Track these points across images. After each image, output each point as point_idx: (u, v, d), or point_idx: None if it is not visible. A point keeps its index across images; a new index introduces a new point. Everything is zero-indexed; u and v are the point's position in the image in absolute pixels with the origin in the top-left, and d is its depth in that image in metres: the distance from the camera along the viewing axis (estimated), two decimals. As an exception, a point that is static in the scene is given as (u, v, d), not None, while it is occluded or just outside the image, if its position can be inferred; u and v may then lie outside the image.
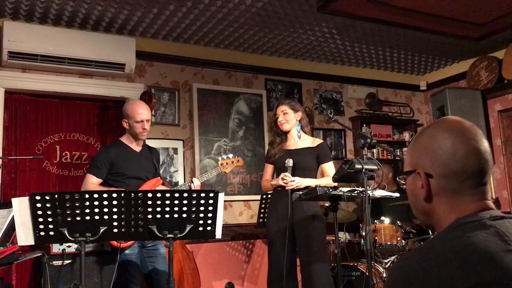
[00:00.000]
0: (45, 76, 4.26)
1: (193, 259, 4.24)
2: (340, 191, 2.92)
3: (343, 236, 4.28)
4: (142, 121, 3.28)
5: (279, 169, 3.43)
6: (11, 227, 2.74)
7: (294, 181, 3.24)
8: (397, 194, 3.23)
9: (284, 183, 3.26)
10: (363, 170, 2.77)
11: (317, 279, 3.20)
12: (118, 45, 4.36)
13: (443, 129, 1.11)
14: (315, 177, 3.47)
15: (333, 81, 5.75)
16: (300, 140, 3.51)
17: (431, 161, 1.09)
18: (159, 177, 3.48)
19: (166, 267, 3.26)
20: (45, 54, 4.06)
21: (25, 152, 4.21)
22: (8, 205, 2.78)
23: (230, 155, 3.78)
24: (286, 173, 3.27)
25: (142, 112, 3.29)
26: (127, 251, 3.15)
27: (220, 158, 3.75)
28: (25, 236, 2.48)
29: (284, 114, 3.48)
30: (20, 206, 2.46)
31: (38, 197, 2.44)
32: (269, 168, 3.62)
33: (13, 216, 2.59)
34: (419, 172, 1.11)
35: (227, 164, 3.69)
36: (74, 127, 4.51)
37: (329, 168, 3.46)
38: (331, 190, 2.90)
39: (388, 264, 4.06)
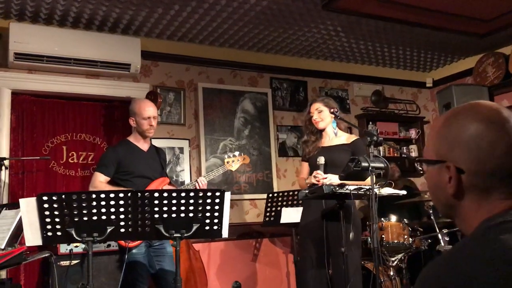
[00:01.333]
0: (51, 77, 4.28)
1: (200, 258, 4.25)
2: (347, 189, 2.91)
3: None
4: (149, 117, 3.31)
5: (312, 167, 3.41)
6: (19, 228, 2.75)
7: (326, 178, 3.22)
8: (404, 192, 3.21)
9: (316, 181, 3.24)
10: (370, 168, 2.76)
11: (348, 271, 3.19)
12: (123, 45, 4.37)
13: (479, 119, 0.98)
14: None
15: (338, 79, 5.74)
16: (336, 137, 3.49)
17: (465, 156, 0.97)
18: (166, 177, 3.49)
19: (173, 266, 3.27)
20: (51, 55, 4.08)
21: (32, 153, 4.23)
22: (16, 206, 2.79)
23: (236, 153, 3.76)
24: (318, 171, 3.25)
25: (148, 109, 3.32)
26: (134, 251, 3.16)
27: (226, 156, 3.75)
28: (32, 237, 2.49)
29: (318, 112, 3.44)
30: (28, 207, 2.47)
31: (45, 198, 2.45)
32: (305, 166, 3.61)
33: (20, 217, 2.60)
34: (449, 166, 0.99)
35: (233, 162, 3.69)
36: (80, 128, 4.52)
37: None
38: (337, 188, 2.90)
39: (395, 262, 4.04)
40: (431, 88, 6.26)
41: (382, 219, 4.07)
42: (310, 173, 3.43)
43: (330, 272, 3.38)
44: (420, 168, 1.17)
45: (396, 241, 3.98)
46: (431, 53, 5.59)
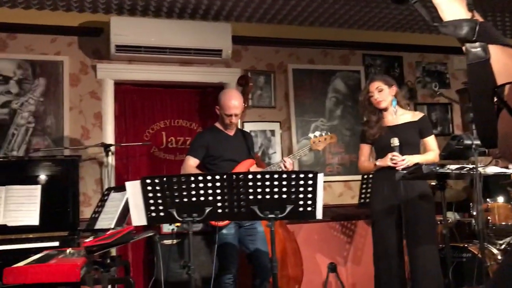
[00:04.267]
0: (149, 66, 4.50)
1: (294, 239, 4.28)
2: (448, 169, 2.75)
3: (452, 216, 4.05)
4: (230, 115, 3.39)
5: (382, 149, 3.28)
6: (126, 209, 2.95)
7: (404, 160, 3.09)
8: (513, 171, 2.98)
9: (393, 163, 3.12)
10: (473, 146, 2.58)
11: (424, 261, 3.07)
12: (214, 32, 4.46)
13: None
14: (419, 153, 3.30)
15: (437, 52, 5.40)
16: (399, 115, 3.34)
17: None
18: (253, 159, 3.54)
19: (265, 246, 3.33)
20: (148, 45, 4.28)
21: (135, 139, 4.50)
22: (122, 189, 3.00)
23: (323, 132, 3.66)
24: (394, 153, 3.13)
25: (232, 106, 3.38)
26: (224, 231, 3.26)
27: (312, 136, 3.66)
28: (138, 217, 2.66)
29: (379, 91, 3.31)
30: (133, 189, 2.63)
31: (148, 181, 2.59)
32: (365, 148, 3.47)
33: (127, 199, 2.79)
34: None
35: (319, 141, 3.59)
36: (177, 114, 4.73)
37: (432, 142, 3.28)
38: (438, 168, 2.75)
39: (503, 245, 3.78)
40: (543, 57, 5.68)
41: (488, 200, 3.81)
42: (379, 156, 3.28)
43: (406, 257, 3.24)
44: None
45: (503, 223, 3.71)
46: (543, 18, 5.06)
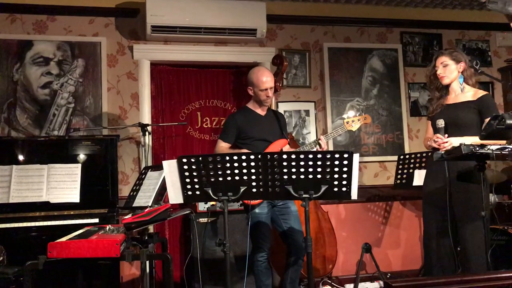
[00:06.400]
0: (184, 46, 4.53)
1: (328, 219, 4.28)
2: (488, 149, 2.67)
3: (492, 198, 3.95)
4: (266, 89, 3.38)
5: (434, 129, 3.21)
6: (163, 187, 3.01)
7: (446, 142, 3.01)
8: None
9: (437, 145, 3.05)
10: (516, 126, 2.49)
11: (473, 242, 3.01)
12: (249, 11, 4.44)
13: None
14: (477, 134, 3.17)
15: (478, 29, 5.23)
16: (462, 93, 3.22)
17: None
18: (286, 139, 3.54)
19: (299, 224, 3.35)
20: (183, 26, 4.31)
21: (171, 119, 4.57)
22: (159, 167, 3.06)
23: (357, 113, 3.66)
24: (438, 134, 3.05)
25: (266, 80, 3.38)
26: (256, 210, 3.28)
27: (345, 116, 3.67)
28: (175, 195, 2.71)
29: (444, 66, 3.20)
30: (170, 168, 2.68)
31: (184, 160, 2.64)
32: (429, 125, 3.41)
33: (164, 177, 2.84)
34: None
35: (353, 122, 3.59)
36: (212, 94, 4.76)
37: None
38: (477, 148, 2.67)
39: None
40: None
41: (530, 182, 3.69)
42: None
43: (458, 241, 3.16)
44: None
45: (547, 207, 3.59)
46: None
